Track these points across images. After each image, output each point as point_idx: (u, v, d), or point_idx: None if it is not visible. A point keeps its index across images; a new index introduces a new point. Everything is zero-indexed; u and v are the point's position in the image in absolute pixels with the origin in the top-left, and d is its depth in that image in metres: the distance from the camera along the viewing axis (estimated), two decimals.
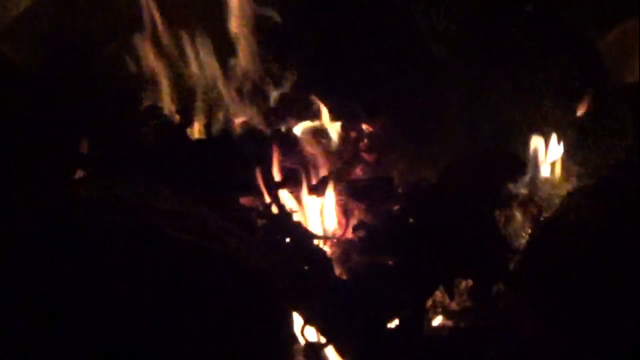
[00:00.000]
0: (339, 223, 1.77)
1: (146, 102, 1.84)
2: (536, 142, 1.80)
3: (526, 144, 1.82)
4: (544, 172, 1.81)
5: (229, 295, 1.22)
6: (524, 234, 1.71)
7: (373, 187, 1.74)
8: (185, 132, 1.76)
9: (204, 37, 1.89)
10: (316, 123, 1.90)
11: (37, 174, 1.39)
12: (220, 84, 1.93)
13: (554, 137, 1.83)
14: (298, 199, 1.77)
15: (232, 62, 1.94)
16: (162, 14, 1.89)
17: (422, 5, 1.95)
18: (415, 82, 1.94)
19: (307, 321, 1.44)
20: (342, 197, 1.76)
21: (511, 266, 1.56)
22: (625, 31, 1.92)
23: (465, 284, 1.61)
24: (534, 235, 1.60)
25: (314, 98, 1.90)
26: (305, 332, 1.44)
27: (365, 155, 1.92)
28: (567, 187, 1.76)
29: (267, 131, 1.87)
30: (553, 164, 1.83)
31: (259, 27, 1.91)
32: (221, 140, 1.71)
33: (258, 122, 1.90)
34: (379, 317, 1.47)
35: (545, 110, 1.90)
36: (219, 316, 1.19)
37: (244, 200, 1.66)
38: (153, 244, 1.20)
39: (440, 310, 1.62)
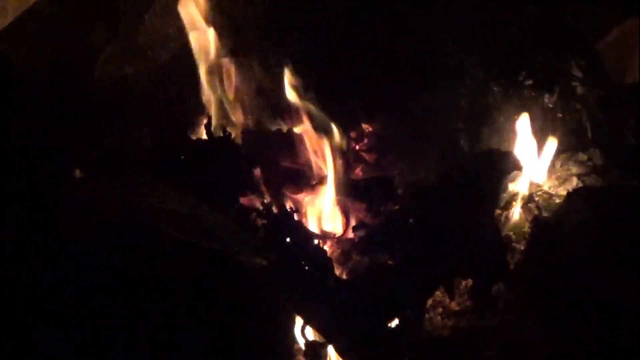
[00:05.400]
0: (339, 223, 1.77)
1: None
2: (534, 141, 1.80)
3: (524, 143, 1.82)
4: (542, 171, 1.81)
5: (229, 295, 1.22)
6: (524, 234, 1.71)
7: (373, 187, 1.75)
8: (186, 132, 1.76)
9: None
10: (317, 123, 1.90)
11: (37, 174, 1.39)
12: (222, 84, 1.93)
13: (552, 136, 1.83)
14: (298, 199, 1.77)
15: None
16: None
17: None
18: (415, 83, 1.95)
19: (307, 321, 1.44)
20: (342, 197, 1.76)
21: (511, 266, 1.56)
22: (625, 31, 1.92)
23: (465, 284, 1.61)
24: (534, 235, 1.60)
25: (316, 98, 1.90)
26: (305, 332, 1.44)
27: (365, 155, 1.92)
28: (567, 187, 1.77)
29: (268, 131, 1.87)
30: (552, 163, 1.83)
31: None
32: (221, 140, 1.71)
33: (259, 122, 1.90)
34: (379, 317, 1.47)
35: (544, 110, 1.90)
36: (219, 316, 1.19)
37: (244, 200, 1.66)
38: (153, 244, 1.20)
39: (440, 310, 1.63)
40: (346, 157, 1.89)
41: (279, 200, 1.70)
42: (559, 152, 1.82)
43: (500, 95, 1.93)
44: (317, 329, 1.45)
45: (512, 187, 1.77)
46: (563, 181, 1.81)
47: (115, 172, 1.65)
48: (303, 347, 1.45)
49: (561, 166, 1.84)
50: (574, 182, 1.79)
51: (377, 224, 1.65)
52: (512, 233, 1.72)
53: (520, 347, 1.46)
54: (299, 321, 1.44)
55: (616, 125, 1.88)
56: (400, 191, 1.74)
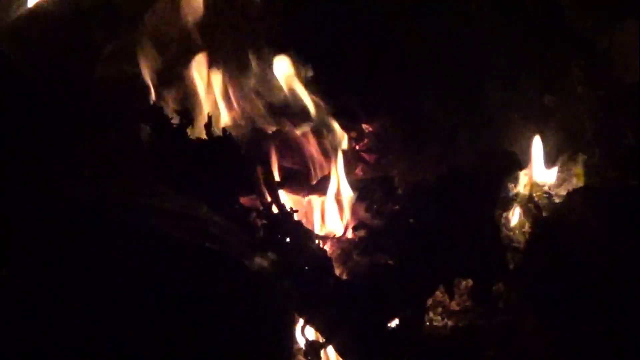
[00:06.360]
0: (339, 223, 1.77)
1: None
2: (535, 141, 1.80)
3: (525, 143, 1.82)
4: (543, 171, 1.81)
5: (228, 295, 1.22)
6: (524, 234, 1.71)
7: (373, 187, 1.74)
8: (186, 132, 1.76)
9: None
10: (317, 123, 1.90)
11: (36, 175, 1.39)
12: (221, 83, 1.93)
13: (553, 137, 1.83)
14: (298, 199, 1.77)
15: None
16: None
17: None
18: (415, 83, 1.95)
19: (307, 321, 1.44)
20: (342, 197, 1.76)
21: (511, 266, 1.56)
22: (625, 31, 1.92)
23: (465, 284, 1.61)
24: (534, 235, 1.60)
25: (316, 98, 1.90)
26: (305, 332, 1.44)
27: (365, 155, 1.92)
28: (567, 187, 1.77)
29: (268, 131, 1.87)
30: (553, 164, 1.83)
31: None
32: (221, 140, 1.71)
33: (259, 121, 1.90)
34: (379, 317, 1.47)
35: (545, 110, 1.90)
36: (218, 316, 1.19)
37: (244, 200, 1.66)
38: (153, 244, 1.20)
39: (440, 310, 1.63)
40: (346, 157, 1.89)
41: (278, 200, 1.70)
42: (559, 152, 1.83)
43: (500, 95, 1.93)
44: (317, 329, 1.45)
45: (512, 187, 1.77)
46: (563, 181, 1.81)
47: (115, 172, 1.64)
48: (303, 347, 1.45)
49: (561, 166, 1.84)
50: (574, 182, 1.79)
51: (377, 224, 1.65)
52: (512, 233, 1.72)
53: (520, 347, 1.47)
54: (299, 321, 1.44)
55: (616, 125, 1.88)
56: (400, 191, 1.73)
